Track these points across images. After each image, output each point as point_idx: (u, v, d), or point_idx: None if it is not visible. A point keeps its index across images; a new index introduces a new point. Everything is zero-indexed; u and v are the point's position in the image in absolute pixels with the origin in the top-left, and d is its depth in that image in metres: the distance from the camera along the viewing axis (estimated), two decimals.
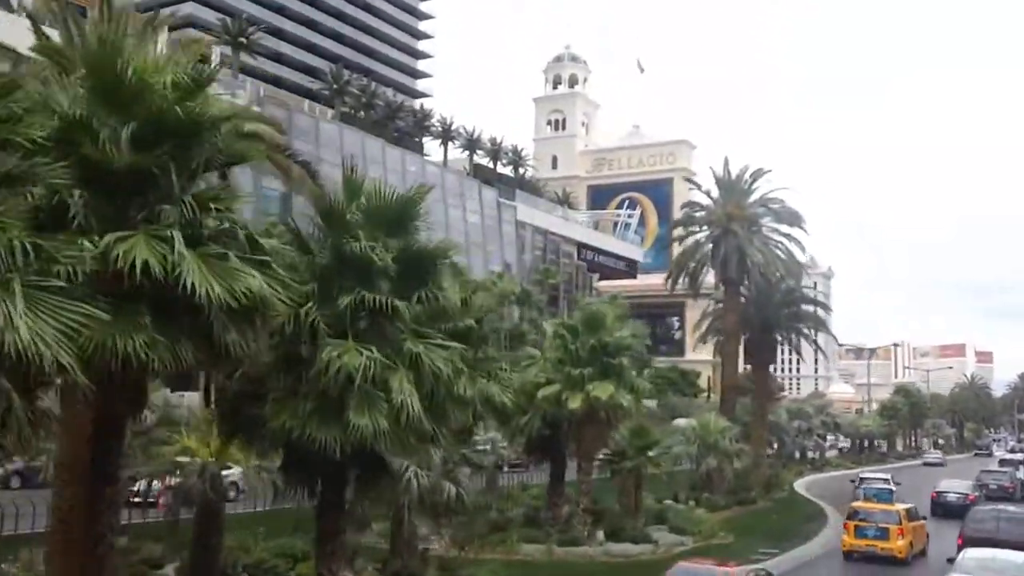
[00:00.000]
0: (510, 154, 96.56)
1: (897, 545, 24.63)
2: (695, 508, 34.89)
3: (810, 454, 65.95)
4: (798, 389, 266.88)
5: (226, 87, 66.99)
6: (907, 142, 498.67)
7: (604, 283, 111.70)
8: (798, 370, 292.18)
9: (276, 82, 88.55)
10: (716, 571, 16.79)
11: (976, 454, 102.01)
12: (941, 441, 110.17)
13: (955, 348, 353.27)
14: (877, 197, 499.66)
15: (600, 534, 24.82)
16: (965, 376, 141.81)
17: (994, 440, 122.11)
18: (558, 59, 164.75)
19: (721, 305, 43.51)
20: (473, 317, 18.47)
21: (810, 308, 45.86)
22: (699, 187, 43.10)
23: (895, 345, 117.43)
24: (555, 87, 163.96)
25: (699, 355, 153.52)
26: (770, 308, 43.81)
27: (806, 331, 45.40)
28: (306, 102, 74.43)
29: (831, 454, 75.87)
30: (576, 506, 25.28)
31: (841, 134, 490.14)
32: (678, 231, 44.51)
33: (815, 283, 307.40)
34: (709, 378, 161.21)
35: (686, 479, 38.95)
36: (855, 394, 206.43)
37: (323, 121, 73.71)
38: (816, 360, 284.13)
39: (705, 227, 42.35)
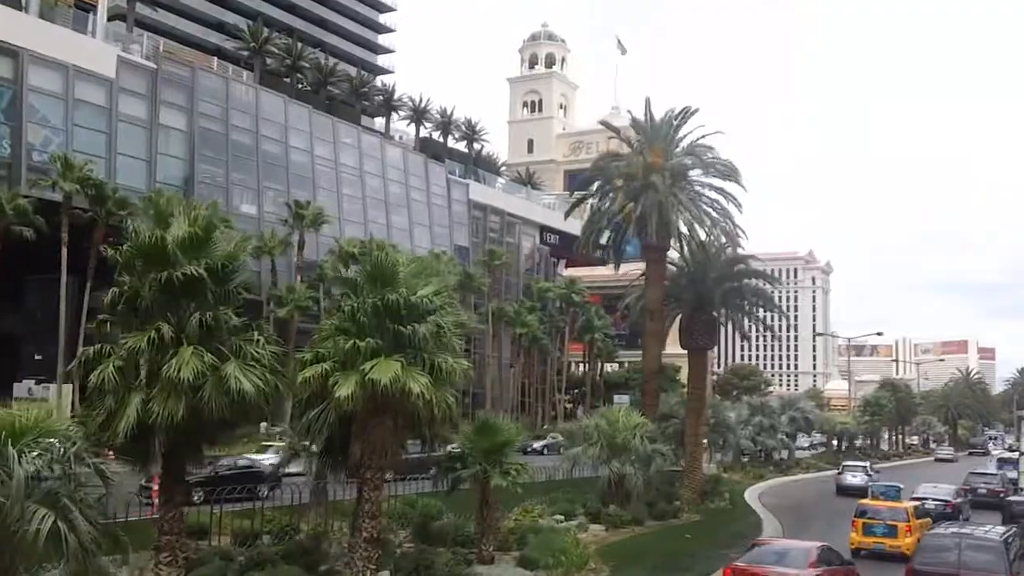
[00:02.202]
0: (464, 128, 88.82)
1: (905, 542, 24.18)
2: (586, 526, 27.54)
3: (776, 455, 58.47)
4: (796, 386, 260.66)
5: (116, 39, 59.72)
6: (907, 142, 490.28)
7: (573, 270, 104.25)
8: (796, 367, 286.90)
9: (202, 48, 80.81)
10: None
11: (970, 453, 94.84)
12: (932, 439, 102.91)
13: (958, 344, 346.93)
14: (878, 195, 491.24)
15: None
16: (959, 371, 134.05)
17: (990, 438, 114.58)
18: (534, 38, 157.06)
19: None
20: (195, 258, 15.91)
21: (755, 282, 38.28)
22: (618, 133, 35.36)
23: (878, 333, 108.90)
24: (531, 67, 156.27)
25: (679, 349, 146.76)
26: (707, 281, 36.31)
27: (750, 309, 37.77)
28: (215, 60, 66.84)
29: (803, 454, 68.44)
30: (359, 535, 17.83)
31: (840, 125, 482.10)
32: (593, 188, 36.70)
33: (813, 278, 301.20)
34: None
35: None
36: (854, 391, 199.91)
37: (236, 82, 66.15)
38: (814, 357, 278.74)
39: (621, 181, 34.74)
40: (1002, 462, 51.54)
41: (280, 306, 56.53)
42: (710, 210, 34.57)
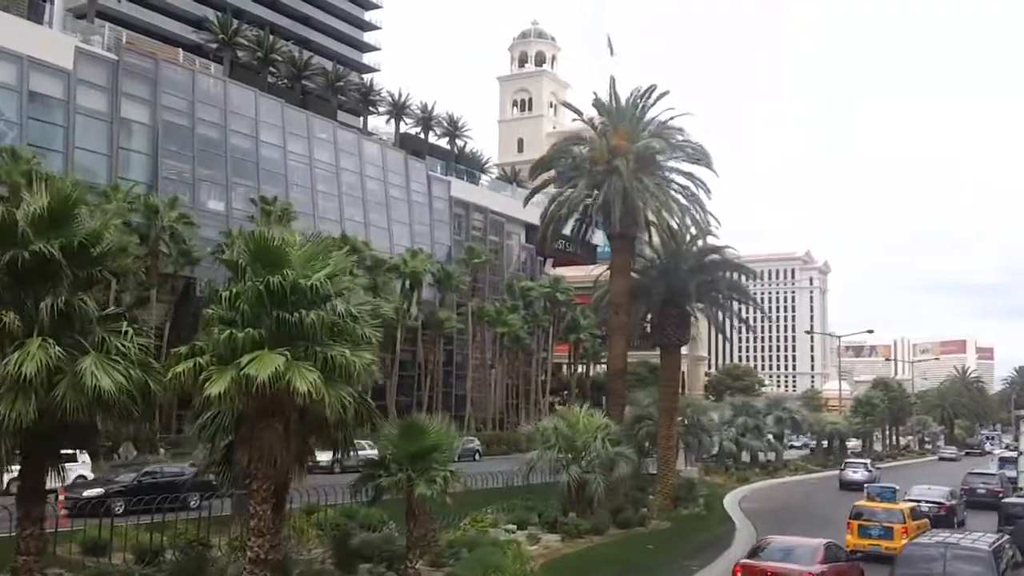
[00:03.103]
0: (446, 124, 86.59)
1: (901, 545, 22.93)
2: (537, 537, 25.31)
3: (762, 456, 56.15)
4: (794, 386, 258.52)
5: (75, 30, 57.59)
6: (904, 143, 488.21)
7: (561, 269, 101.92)
8: (794, 367, 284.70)
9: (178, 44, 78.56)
10: None
11: (967, 453, 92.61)
12: (927, 440, 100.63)
13: (956, 344, 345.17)
14: (869, 195, 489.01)
15: None
16: (956, 369, 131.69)
17: (987, 438, 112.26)
18: (524, 36, 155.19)
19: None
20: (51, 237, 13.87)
21: (729, 274, 35.98)
22: (581, 115, 32.98)
23: (869, 331, 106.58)
24: (521, 66, 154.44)
25: None
26: (679, 273, 34.07)
27: (725, 302, 35.42)
28: (180, 52, 64.62)
29: (793, 456, 66.20)
30: (244, 555, 15.60)
31: (829, 125, 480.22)
32: (550, 174, 34.24)
33: (811, 278, 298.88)
34: (683, 373, 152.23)
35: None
36: (851, 391, 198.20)
37: (203, 74, 63.99)
38: (812, 358, 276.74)
39: (585, 166, 32.35)
40: (1003, 461, 50.64)
41: None
42: (679, 197, 32.32)
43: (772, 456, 58.01)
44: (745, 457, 55.31)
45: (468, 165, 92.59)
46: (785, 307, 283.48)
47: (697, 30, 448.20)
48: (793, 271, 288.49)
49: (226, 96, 64.41)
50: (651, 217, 31.83)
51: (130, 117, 58.12)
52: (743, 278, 37.32)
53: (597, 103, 34.67)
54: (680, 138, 32.50)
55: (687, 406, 39.43)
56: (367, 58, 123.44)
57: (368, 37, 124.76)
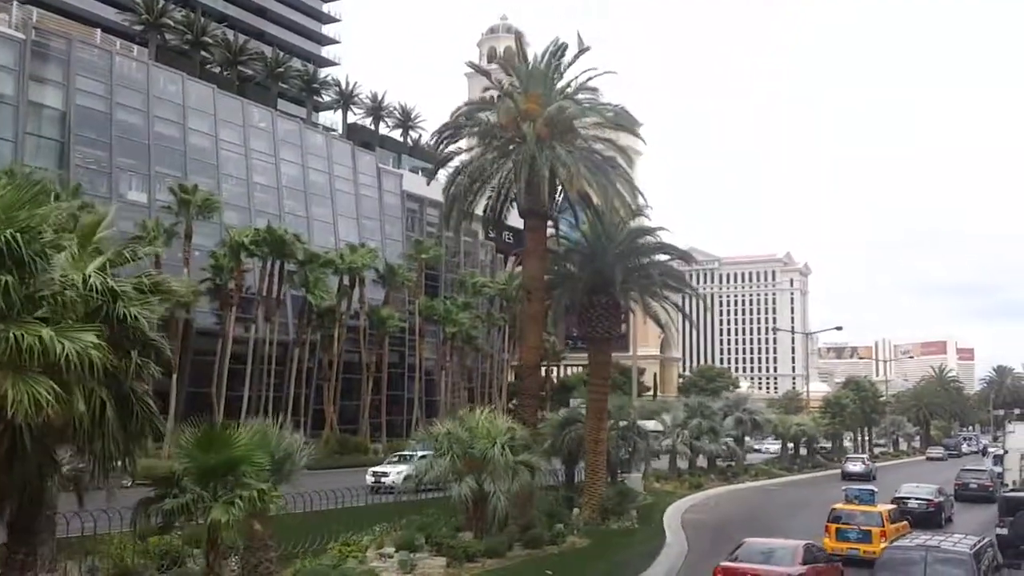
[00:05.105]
0: (398, 115, 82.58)
1: (879, 548, 22.67)
2: (411, 564, 21.34)
3: (721, 462, 52.35)
4: (776, 388, 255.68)
5: None
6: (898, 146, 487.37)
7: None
8: (775, 369, 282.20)
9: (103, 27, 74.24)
10: None
11: (951, 455, 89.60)
12: (901, 440, 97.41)
13: (937, 345, 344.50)
14: (862, 196, 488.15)
15: None
16: (932, 369, 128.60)
17: (964, 439, 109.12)
18: (492, 31, 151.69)
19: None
20: None
21: (664, 258, 32.18)
22: (488, 77, 28.93)
23: (838, 328, 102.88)
24: (490, 61, 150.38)
25: (644, 350, 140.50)
26: (606, 257, 30.24)
27: (658, 291, 31.58)
28: (98, 33, 60.41)
29: (756, 459, 62.48)
30: None
31: (824, 128, 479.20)
32: (455, 146, 30.09)
33: (791, 280, 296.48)
34: (655, 375, 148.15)
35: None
36: (831, 392, 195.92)
37: (125, 56, 59.76)
38: (793, 359, 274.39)
39: (496, 135, 28.35)
40: (997, 459, 52.86)
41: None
42: (607, 170, 28.41)
43: (732, 462, 54.22)
44: (703, 462, 51.68)
45: (424, 159, 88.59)
46: (766, 309, 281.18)
47: (675, 26, 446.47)
48: (774, 273, 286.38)
49: (149, 80, 60.25)
50: (571, 193, 27.94)
51: (40, 101, 53.97)
52: (679, 261, 33.28)
53: (505, 62, 30.96)
54: (593, 100, 28.62)
55: (620, 407, 35.54)
56: (326, 51, 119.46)
57: (328, 30, 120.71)
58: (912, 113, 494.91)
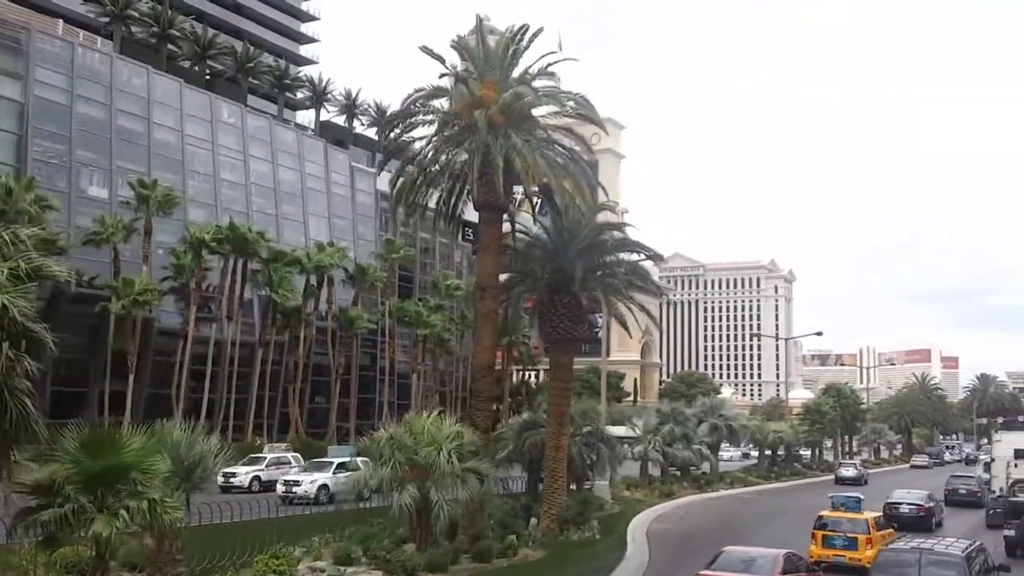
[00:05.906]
0: (373, 113, 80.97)
1: (866, 555, 23.42)
2: None
3: (694, 469, 50.94)
4: (760, 395, 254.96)
5: None
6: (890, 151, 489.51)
7: None
8: (759, 376, 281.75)
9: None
10: None
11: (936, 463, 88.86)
12: (883, 448, 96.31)
13: (921, 353, 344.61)
14: (852, 202, 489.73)
15: None
16: (915, 376, 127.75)
17: (947, 447, 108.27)
18: (473, 33, 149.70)
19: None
20: None
21: (633, 258, 30.74)
22: (443, 62, 27.52)
23: (818, 334, 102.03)
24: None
25: (624, 355, 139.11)
26: (568, 254, 28.78)
27: (623, 290, 30.11)
28: (60, 24, 58.62)
29: (732, 467, 61.14)
30: None
31: (810, 132, 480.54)
32: (413, 135, 28.61)
33: (776, 287, 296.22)
34: (636, 380, 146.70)
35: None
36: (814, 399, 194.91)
37: (87, 48, 57.96)
38: (777, 366, 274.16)
39: (449, 124, 26.87)
40: (987, 466, 54.01)
41: (116, 299, 48.42)
42: (568, 161, 27.00)
43: (707, 468, 52.82)
44: (678, 469, 50.25)
45: (400, 158, 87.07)
46: (750, 315, 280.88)
47: (660, 30, 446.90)
48: (758, 279, 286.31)
49: (113, 72, 58.44)
50: (528, 184, 26.50)
51: None
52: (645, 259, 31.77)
53: (459, 45, 29.47)
54: (551, 85, 27.19)
55: (584, 412, 34.03)
56: (305, 50, 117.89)
57: (307, 28, 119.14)
58: (899, 119, 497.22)
